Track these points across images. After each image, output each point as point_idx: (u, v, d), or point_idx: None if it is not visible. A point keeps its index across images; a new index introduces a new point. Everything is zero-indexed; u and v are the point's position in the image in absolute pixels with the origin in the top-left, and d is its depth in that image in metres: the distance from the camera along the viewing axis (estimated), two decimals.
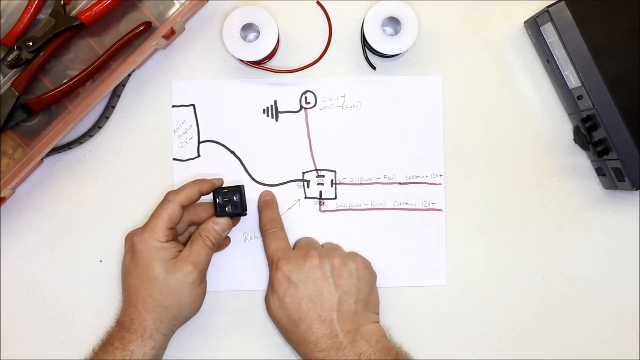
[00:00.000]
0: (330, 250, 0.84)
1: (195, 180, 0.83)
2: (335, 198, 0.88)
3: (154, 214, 0.81)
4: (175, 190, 0.82)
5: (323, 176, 0.89)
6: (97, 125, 0.87)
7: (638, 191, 0.87)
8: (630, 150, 0.82)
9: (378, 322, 0.82)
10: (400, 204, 0.88)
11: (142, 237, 0.80)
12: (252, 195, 0.87)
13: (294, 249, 0.86)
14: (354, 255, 0.84)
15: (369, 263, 0.84)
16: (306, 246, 0.84)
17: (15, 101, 0.82)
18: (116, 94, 0.87)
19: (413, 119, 0.89)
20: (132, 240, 0.81)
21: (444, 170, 0.88)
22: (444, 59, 0.89)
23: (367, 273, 0.83)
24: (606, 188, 0.88)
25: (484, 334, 0.88)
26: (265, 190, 0.88)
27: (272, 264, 0.82)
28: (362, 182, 0.88)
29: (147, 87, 0.88)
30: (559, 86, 0.87)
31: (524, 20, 0.87)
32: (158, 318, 0.79)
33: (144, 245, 0.80)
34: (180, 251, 0.81)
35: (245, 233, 0.87)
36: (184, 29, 0.88)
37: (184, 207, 0.81)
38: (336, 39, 0.88)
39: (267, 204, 0.87)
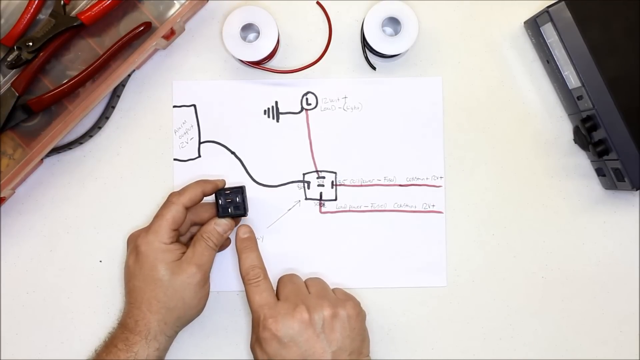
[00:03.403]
0: (318, 299, 0.79)
1: (197, 181, 0.83)
2: (335, 199, 0.88)
3: (158, 216, 0.81)
4: (178, 192, 0.82)
5: (324, 177, 0.89)
6: (97, 126, 0.87)
7: (638, 191, 0.88)
8: (630, 151, 0.82)
9: None
10: (400, 205, 0.88)
11: (146, 239, 0.80)
12: (252, 196, 0.87)
13: (277, 292, 0.82)
14: (343, 301, 0.81)
15: (359, 303, 0.82)
16: (293, 296, 0.80)
17: (15, 101, 0.82)
18: (116, 94, 0.87)
19: (413, 121, 0.89)
20: (136, 242, 0.81)
21: (444, 170, 0.88)
22: (444, 59, 0.89)
23: (359, 320, 0.80)
24: (606, 188, 0.88)
25: (484, 334, 0.88)
26: (244, 226, 0.84)
27: (259, 321, 0.78)
28: (363, 183, 0.88)
29: (147, 88, 0.88)
30: (559, 86, 0.87)
31: (524, 20, 0.87)
32: (162, 320, 0.79)
33: (149, 247, 0.80)
34: (183, 253, 0.81)
35: None
36: (184, 29, 0.88)
37: (187, 209, 0.82)
38: (336, 39, 0.88)
39: (247, 247, 0.83)
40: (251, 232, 0.84)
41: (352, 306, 0.80)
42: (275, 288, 0.83)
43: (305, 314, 0.78)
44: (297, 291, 0.81)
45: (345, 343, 0.78)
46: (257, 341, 0.79)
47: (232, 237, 0.87)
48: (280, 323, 0.77)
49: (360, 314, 0.81)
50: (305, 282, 0.84)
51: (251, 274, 0.81)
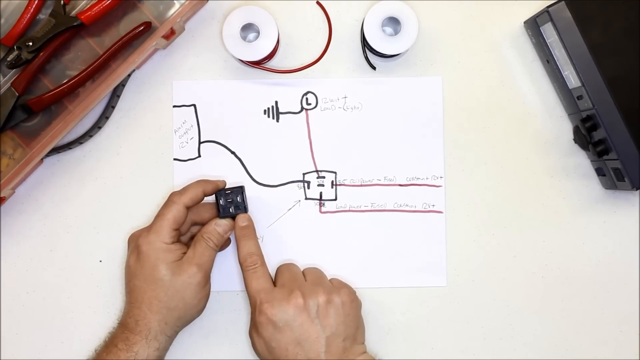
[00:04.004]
0: (314, 286, 0.80)
1: (198, 181, 0.83)
2: (335, 199, 0.88)
3: (159, 215, 0.81)
4: (179, 191, 0.82)
5: (323, 177, 0.89)
6: (97, 125, 0.87)
7: (638, 191, 0.88)
8: (630, 150, 0.82)
9: (365, 351, 0.81)
10: (400, 205, 0.88)
11: (148, 239, 0.80)
12: (252, 196, 0.87)
13: (275, 279, 0.83)
14: (338, 288, 0.81)
15: (354, 292, 0.82)
16: (289, 283, 0.81)
17: (15, 101, 0.82)
18: (116, 94, 0.87)
19: (413, 120, 0.89)
20: (137, 242, 0.81)
21: (444, 170, 0.88)
22: (444, 59, 0.89)
23: (354, 307, 0.81)
24: (606, 188, 0.88)
25: (484, 334, 0.88)
26: (242, 215, 0.83)
27: (255, 306, 0.79)
28: (363, 183, 0.88)
29: (147, 87, 0.88)
30: (559, 86, 0.87)
31: (524, 20, 0.87)
32: (163, 320, 0.79)
33: (150, 247, 0.80)
34: (184, 253, 0.81)
35: None
36: (184, 29, 0.88)
37: (188, 208, 0.82)
38: (336, 39, 0.88)
39: (246, 234, 0.83)
40: (250, 220, 0.83)
41: (346, 293, 0.81)
42: (273, 277, 0.84)
43: (300, 300, 0.78)
44: (294, 278, 0.82)
45: (340, 329, 0.79)
46: (253, 326, 0.80)
47: (233, 236, 0.87)
48: (275, 308, 0.78)
49: (354, 301, 0.82)
50: (302, 271, 0.85)
51: (249, 260, 0.82)
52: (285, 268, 0.84)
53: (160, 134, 0.88)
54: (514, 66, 0.89)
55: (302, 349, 0.77)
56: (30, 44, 0.82)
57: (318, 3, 0.88)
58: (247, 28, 0.84)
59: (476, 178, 0.89)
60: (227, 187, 0.84)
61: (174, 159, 0.88)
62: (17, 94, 0.82)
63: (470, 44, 0.89)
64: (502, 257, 0.89)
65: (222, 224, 0.82)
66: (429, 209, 0.88)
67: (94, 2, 0.82)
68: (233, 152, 0.88)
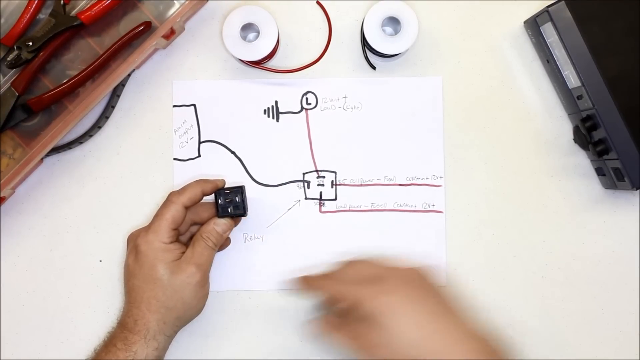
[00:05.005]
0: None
1: (197, 181, 0.83)
2: (335, 199, 0.88)
3: (158, 215, 0.81)
4: (178, 191, 0.82)
5: (323, 177, 0.89)
6: (97, 125, 0.87)
7: (638, 191, 0.87)
8: (630, 150, 0.82)
9: None
10: (400, 205, 0.88)
11: (146, 239, 0.80)
12: (252, 196, 0.87)
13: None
14: None
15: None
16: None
17: (15, 101, 0.82)
18: (116, 94, 0.87)
19: (413, 120, 0.89)
20: (135, 242, 0.81)
21: (444, 170, 0.88)
22: (444, 59, 0.89)
23: None
24: (606, 188, 0.88)
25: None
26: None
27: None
28: (363, 183, 0.88)
29: (147, 87, 0.88)
30: (559, 86, 0.87)
31: (524, 20, 0.87)
32: (162, 319, 0.79)
33: (149, 247, 0.80)
34: (183, 252, 0.81)
35: (245, 233, 0.88)
36: (184, 29, 0.88)
37: (187, 208, 0.81)
38: (336, 39, 0.88)
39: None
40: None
41: None
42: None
43: None
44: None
45: None
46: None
47: (232, 236, 0.86)
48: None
49: None
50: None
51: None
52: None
53: (160, 134, 0.88)
54: (514, 66, 0.89)
55: None
56: (30, 43, 0.82)
57: (318, 3, 0.88)
58: (247, 28, 0.84)
59: (476, 178, 0.89)
60: (227, 186, 0.84)
61: (174, 159, 0.88)
62: (17, 94, 0.82)
63: (470, 44, 0.89)
64: (502, 257, 0.89)
65: (221, 224, 0.82)
66: (429, 209, 0.88)
67: (94, 2, 0.82)
68: (233, 152, 0.88)
